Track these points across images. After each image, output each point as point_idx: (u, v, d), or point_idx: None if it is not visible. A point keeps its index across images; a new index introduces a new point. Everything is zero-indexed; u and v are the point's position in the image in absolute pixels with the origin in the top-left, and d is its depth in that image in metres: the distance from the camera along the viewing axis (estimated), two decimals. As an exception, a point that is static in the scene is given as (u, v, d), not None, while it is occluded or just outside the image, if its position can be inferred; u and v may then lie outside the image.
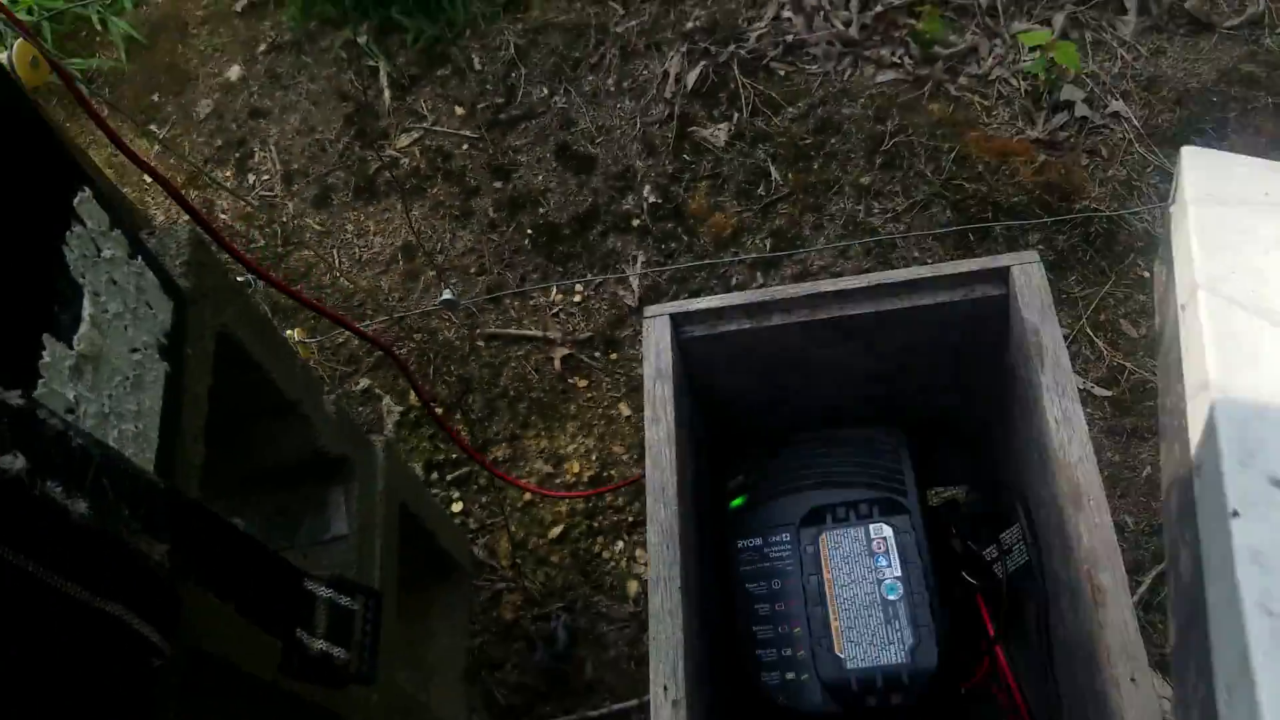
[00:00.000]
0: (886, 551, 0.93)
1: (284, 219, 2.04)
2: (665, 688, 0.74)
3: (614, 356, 1.75)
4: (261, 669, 0.72)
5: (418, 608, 1.45)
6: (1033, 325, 0.84)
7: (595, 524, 1.56)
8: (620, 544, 1.54)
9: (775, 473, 1.08)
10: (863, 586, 0.92)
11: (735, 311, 0.93)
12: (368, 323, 1.79)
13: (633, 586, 1.49)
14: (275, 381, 0.89)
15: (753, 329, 0.93)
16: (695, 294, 1.80)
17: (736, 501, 1.08)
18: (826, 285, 0.91)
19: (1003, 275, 0.89)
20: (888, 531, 0.94)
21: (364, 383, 1.72)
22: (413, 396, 1.69)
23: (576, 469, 1.60)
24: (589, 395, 1.71)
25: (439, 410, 1.66)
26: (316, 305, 1.02)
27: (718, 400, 1.05)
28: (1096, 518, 0.75)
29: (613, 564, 1.52)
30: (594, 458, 1.62)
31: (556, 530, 1.54)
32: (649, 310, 0.94)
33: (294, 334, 1.40)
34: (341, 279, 1.89)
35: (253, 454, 0.97)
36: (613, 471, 1.61)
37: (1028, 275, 0.87)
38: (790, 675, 0.96)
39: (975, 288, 0.90)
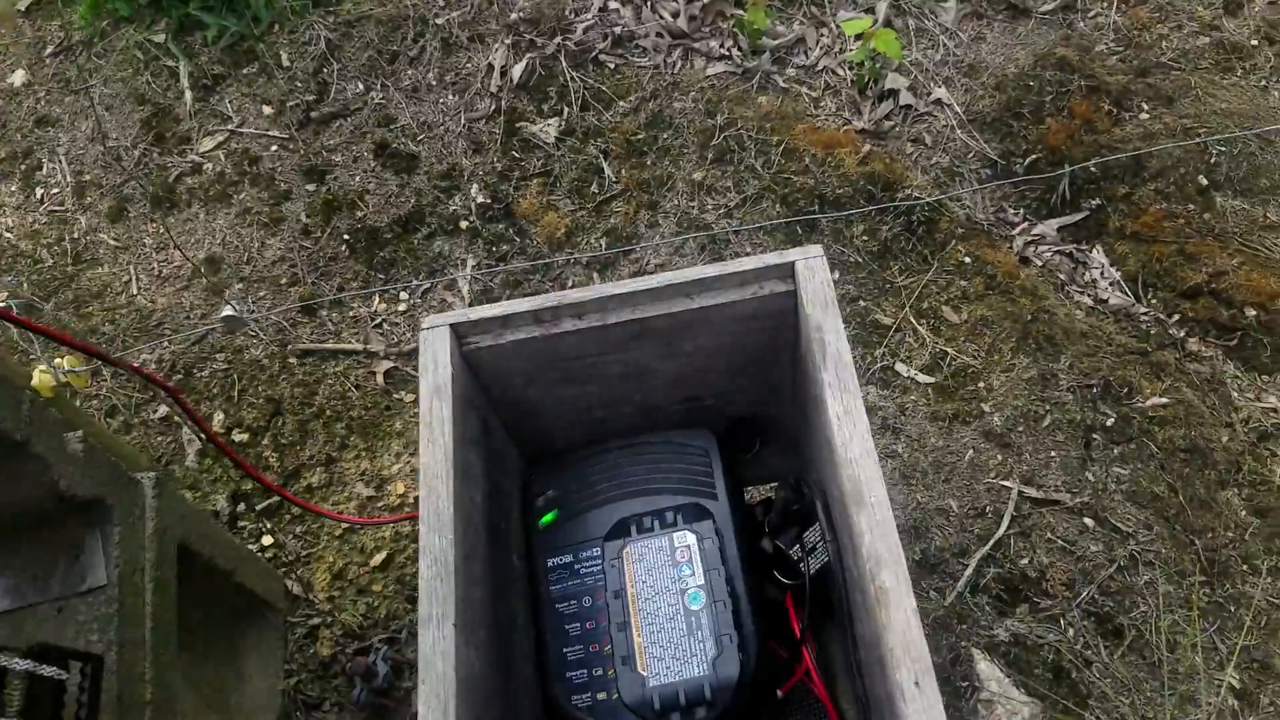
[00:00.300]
0: (690, 560, 0.90)
1: (75, 234, 1.86)
2: (434, 733, 0.68)
3: (441, 366, 1.67)
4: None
5: (225, 650, 1.33)
6: (816, 321, 0.82)
7: (424, 544, 1.48)
8: (451, 563, 1.46)
9: (585, 486, 1.03)
10: (666, 599, 0.89)
11: (522, 319, 0.87)
12: (165, 344, 1.65)
13: (464, 607, 1.42)
14: (-7, 421, 0.78)
15: (543, 337, 0.88)
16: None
17: (546, 518, 1.02)
18: (613, 288, 0.87)
19: (790, 271, 0.87)
20: (690, 539, 0.91)
21: (162, 410, 1.59)
22: (215, 423, 1.56)
23: (401, 490, 1.52)
24: (415, 410, 1.62)
25: (239, 439, 1.54)
26: (54, 334, 0.91)
27: (521, 412, 1.00)
28: (878, 515, 0.73)
29: (443, 585, 1.45)
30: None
31: (379, 557, 1.45)
32: (426, 321, 0.87)
33: (63, 363, 1.27)
34: (139, 296, 1.74)
35: (-17, 499, 0.85)
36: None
37: (811, 270, 0.85)
38: (602, 696, 0.91)
39: (764, 285, 0.87)
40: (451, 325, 0.87)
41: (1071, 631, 1.30)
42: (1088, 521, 1.38)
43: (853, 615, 0.85)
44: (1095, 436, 1.44)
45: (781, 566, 0.97)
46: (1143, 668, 1.27)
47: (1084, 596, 1.32)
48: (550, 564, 0.99)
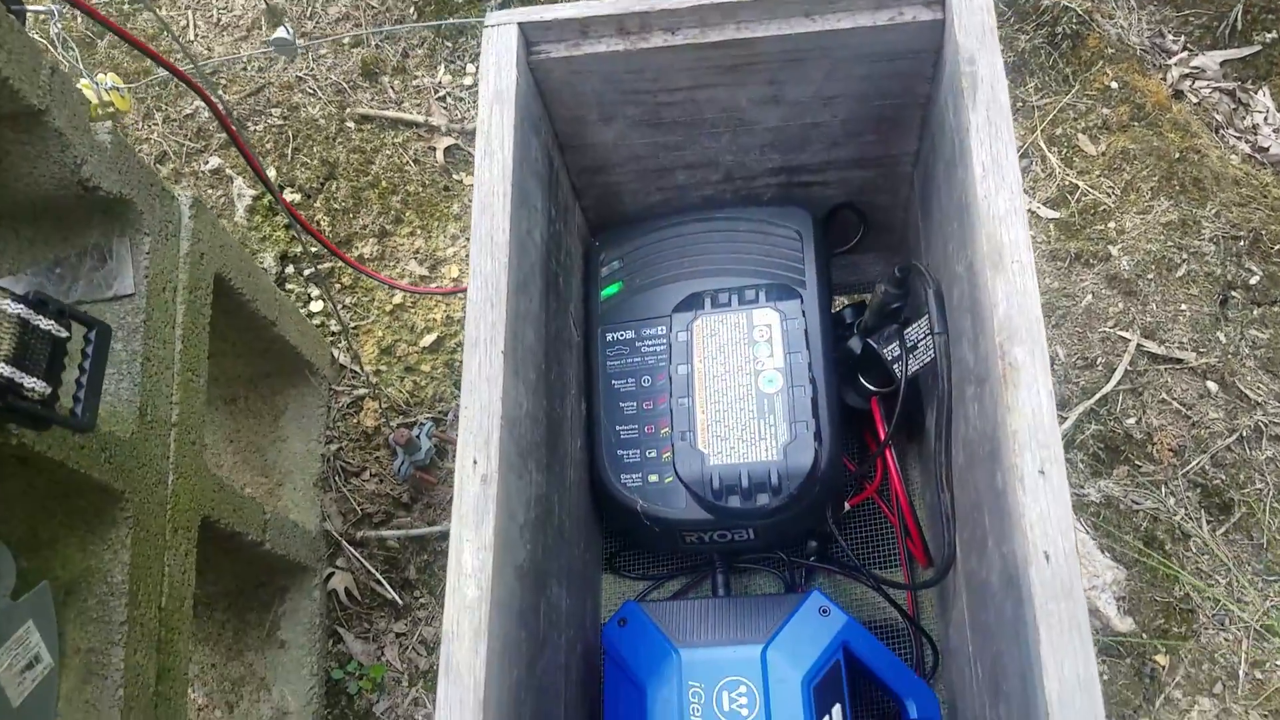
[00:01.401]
0: (769, 339, 0.79)
1: (135, -25, 1.74)
2: (474, 460, 0.59)
3: (510, 152, 1.54)
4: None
5: (264, 408, 1.29)
6: (968, 53, 0.67)
7: (475, 332, 1.39)
8: (502, 355, 1.38)
9: (655, 259, 0.91)
10: (737, 378, 0.78)
11: (603, 25, 0.73)
12: (220, 92, 1.54)
13: (511, 399, 1.35)
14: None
15: (626, 52, 0.74)
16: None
17: (609, 290, 0.92)
18: (717, -2, 0.72)
19: (939, -4, 0.71)
20: (773, 318, 0.79)
21: (213, 162, 1.50)
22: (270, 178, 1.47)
23: (455, 273, 1.43)
24: (478, 192, 1.51)
25: (291, 198, 1.45)
26: (115, 27, 0.80)
27: (590, 161, 0.87)
28: (1018, 281, 0.60)
29: (492, 375, 1.37)
30: (478, 259, 1.44)
31: (429, 338, 1.37)
32: (491, 18, 0.74)
33: (106, 78, 1.17)
34: (196, 43, 1.62)
35: (1, 173, 0.77)
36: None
37: (969, -8, 0.69)
38: (653, 478, 0.83)
39: (905, 9, 0.72)
40: (520, 25, 0.73)
41: (1173, 501, 1.18)
42: (1211, 385, 1.23)
43: (952, 417, 0.73)
44: (1234, 294, 1.27)
45: (869, 370, 0.85)
46: (1247, 548, 1.15)
47: (1193, 466, 1.19)
48: (609, 338, 0.89)
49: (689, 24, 0.73)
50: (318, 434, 1.29)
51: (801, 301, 0.80)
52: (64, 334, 0.57)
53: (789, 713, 0.71)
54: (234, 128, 0.96)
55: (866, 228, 0.93)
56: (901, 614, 0.84)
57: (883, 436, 0.79)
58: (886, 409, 0.82)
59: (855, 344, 0.86)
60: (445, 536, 1.26)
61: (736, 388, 0.77)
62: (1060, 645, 0.51)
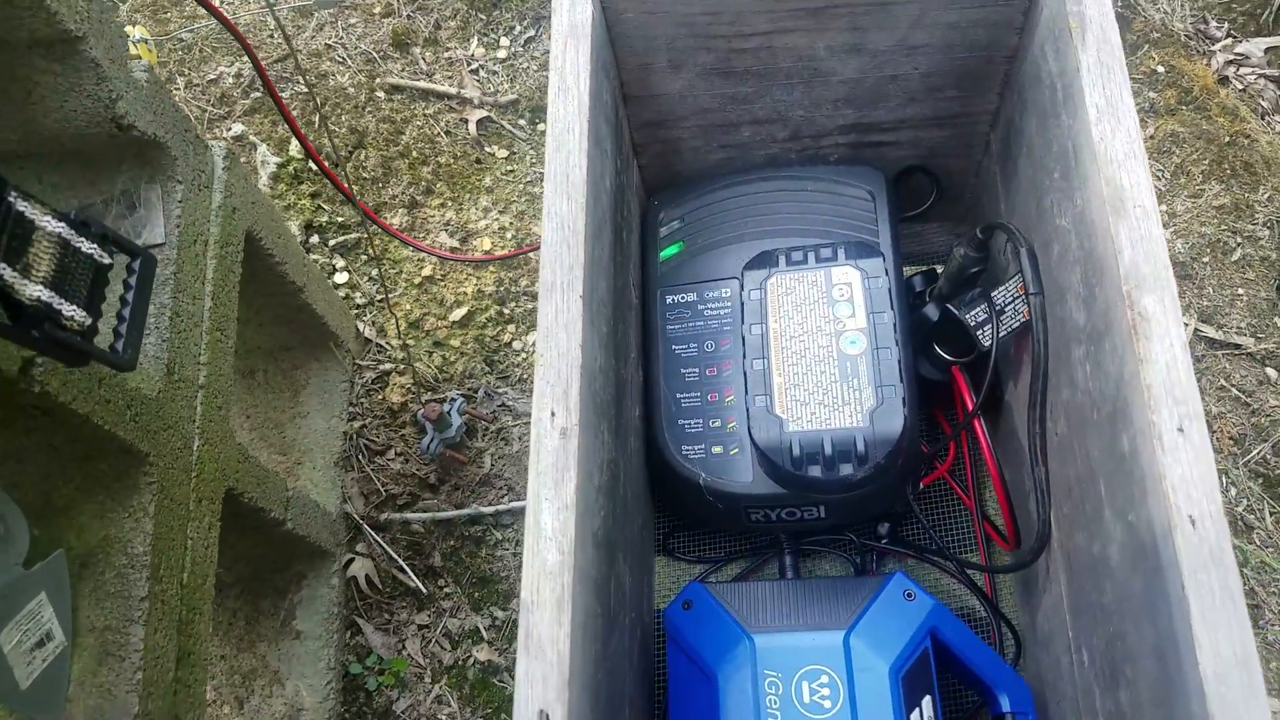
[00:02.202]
0: (850, 299, 0.74)
1: (155, -58, 1.69)
2: (552, 412, 0.54)
3: (541, 127, 1.49)
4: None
5: (287, 385, 1.23)
6: (1080, -10, 0.62)
7: (506, 310, 1.34)
8: (534, 335, 1.33)
9: (718, 218, 0.87)
10: (817, 339, 0.73)
11: (683, -38, 0.69)
12: (247, 59, 1.49)
13: (542, 379, 1.29)
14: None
15: (705, -8, 0.69)
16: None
17: (669, 250, 0.87)
18: (808, -68, 0.67)
19: (1042, -66, 0.67)
20: (854, 275, 0.75)
21: (237, 128, 1.44)
22: (293, 147, 1.42)
23: (487, 246, 1.38)
24: (509, 168, 1.46)
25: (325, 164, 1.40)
26: None
27: (654, 114, 0.82)
28: (1143, 227, 0.55)
29: (524, 356, 1.32)
30: (509, 235, 1.39)
31: (460, 312, 1.32)
32: (566, -48, 0.69)
33: (133, 30, 1.12)
34: (222, 8, 1.57)
35: (29, 104, 0.71)
36: (532, 255, 1.38)
37: (1079, -75, 0.64)
38: (717, 449, 0.78)
39: (1004, -51, 0.67)
40: (597, -40, 0.69)
41: (1234, 491, 1.13)
42: (1270, 372, 1.18)
43: (1047, 384, 0.69)
44: (1294, 278, 1.23)
45: (945, 339, 0.80)
46: (1312, 540, 1.10)
47: (1254, 455, 1.14)
48: (669, 301, 0.84)
49: (774, -40, 0.69)
50: (340, 410, 1.24)
51: (883, 260, 0.75)
52: (106, 260, 0.52)
53: (877, 705, 0.66)
54: (272, 83, 0.91)
55: (940, 192, 0.88)
56: (984, 601, 0.79)
57: (970, 406, 0.74)
58: (971, 378, 0.77)
59: (932, 311, 0.81)
60: (474, 520, 1.21)
61: (816, 349, 0.72)
62: (1214, 618, 0.47)
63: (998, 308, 0.74)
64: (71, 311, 0.48)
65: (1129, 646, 0.55)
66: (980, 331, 0.75)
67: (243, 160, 1.42)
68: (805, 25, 0.72)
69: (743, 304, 0.76)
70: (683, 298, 0.84)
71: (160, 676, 0.75)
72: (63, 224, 0.50)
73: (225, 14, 1.52)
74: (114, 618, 0.69)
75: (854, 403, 0.69)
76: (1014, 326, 0.73)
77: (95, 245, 0.51)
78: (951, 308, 0.78)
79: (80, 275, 0.50)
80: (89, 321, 0.50)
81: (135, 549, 0.73)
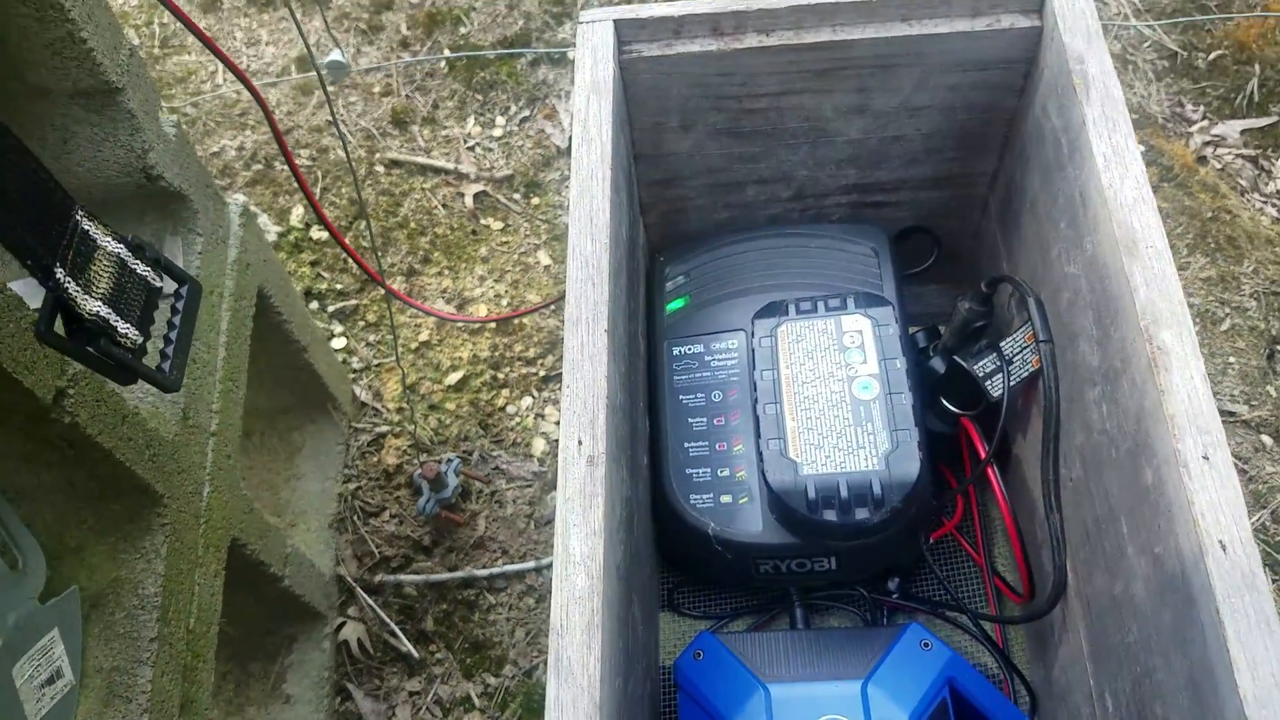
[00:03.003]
0: (861, 345, 0.75)
1: (165, 19, 1.74)
2: (579, 441, 0.54)
3: (535, 201, 1.53)
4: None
5: (283, 447, 1.22)
6: (1076, 52, 0.66)
7: (500, 375, 1.34)
8: (528, 400, 1.33)
9: (724, 272, 0.88)
10: (829, 384, 0.74)
11: (698, 24, 0.72)
12: (248, 132, 1.52)
13: (539, 445, 1.29)
14: (84, 42, 0.65)
15: (718, 53, 0.73)
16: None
17: (675, 304, 0.88)
18: (814, -2, 0.71)
19: (1038, 2, 0.71)
20: (864, 324, 0.76)
21: (239, 199, 1.46)
22: (294, 217, 1.44)
23: (484, 312, 1.39)
24: (503, 239, 1.48)
25: (318, 236, 1.42)
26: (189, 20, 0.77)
27: (659, 175, 0.85)
28: (1156, 266, 0.57)
29: (517, 420, 1.32)
30: (504, 303, 1.41)
31: (455, 376, 1.32)
32: (586, 15, 0.72)
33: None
34: (225, 87, 1.61)
35: (65, 153, 0.73)
36: (525, 321, 1.40)
37: (1073, -4, 0.68)
38: (726, 499, 0.77)
39: (1003, 16, 0.71)
40: (614, 21, 0.72)
41: (1229, 554, 1.13)
42: (1265, 439, 1.20)
43: (1060, 428, 0.70)
44: None
45: (952, 393, 0.81)
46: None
47: (1254, 522, 1.15)
48: (676, 352, 0.85)
49: (785, 25, 0.72)
50: (335, 472, 1.23)
51: (893, 309, 0.76)
52: (158, 284, 0.52)
53: (895, 752, 0.64)
54: (287, 147, 0.93)
55: (940, 251, 0.91)
56: (998, 655, 0.78)
57: (983, 454, 0.75)
58: (982, 428, 0.78)
59: (938, 364, 0.82)
60: (467, 584, 1.19)
61: (829, 394, 0.73)
62: (1251, 642, 0.47)
63: (1007, 357, 0.75)
64: (125, 329, 0.48)
65: (1158, 683, 0.55)
66: (989, 382, 0.76)
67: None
68: (813, 86, 0.75)
69: (753, 350, 0.77)
70: (690, 349, 0.84)
71: None
72: (122, 245, 0.50)
73: (226, 90, 1.56)
74: (122, 659, 0.67)
75: (869, 446, 0.70)
76: (1024, 375, 0.74)
77: (149, 269, 0.51)
78: (959, 359, 0.79)
79: (135, 296, 0.50)
80: (140, 340, 0.50)
81: (146, 590, 0.71)
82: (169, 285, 0.53)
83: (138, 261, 0.51)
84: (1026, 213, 0.76)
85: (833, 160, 0.83)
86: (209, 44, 0.85)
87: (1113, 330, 0.59)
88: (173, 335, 0.51)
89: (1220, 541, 0.49)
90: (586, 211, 0.64)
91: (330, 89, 1.60)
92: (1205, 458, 0.51)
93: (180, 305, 0.52)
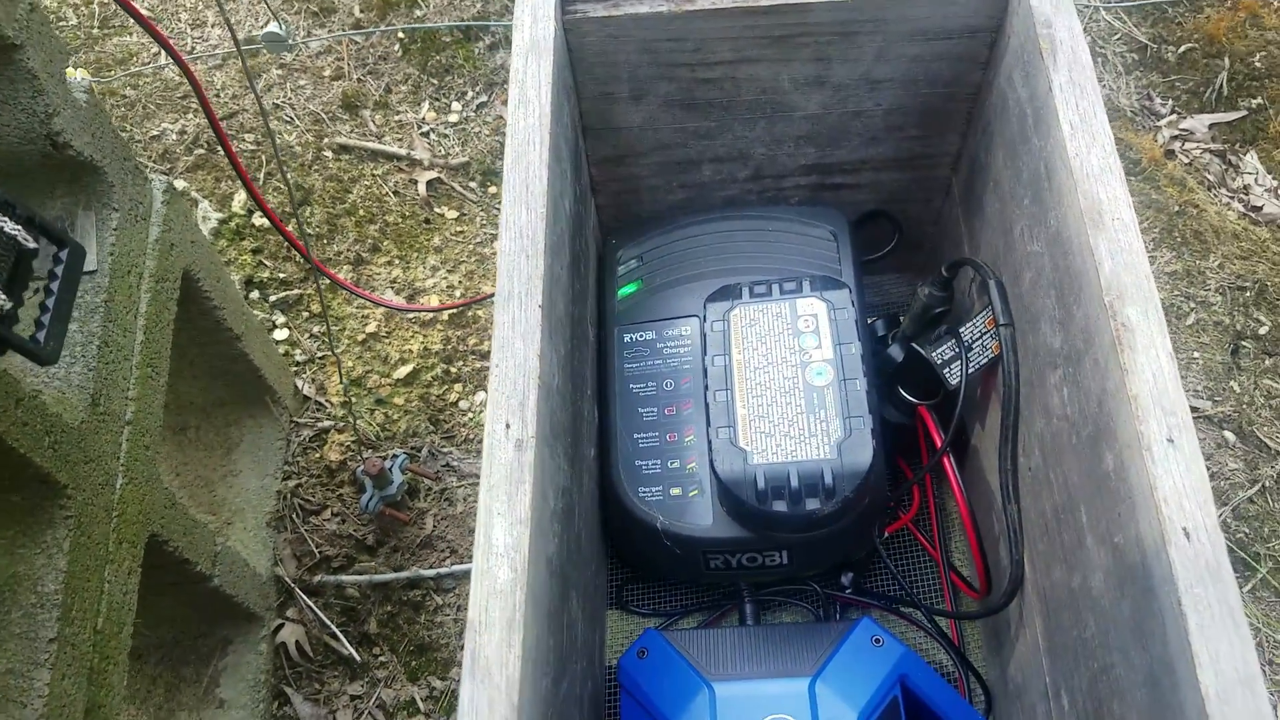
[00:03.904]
0: (816, 330, 0.72)
1: None
2: (507, 424, 0.50)
3: (493, 190, 1.48)
4: None
5: (219, 442, 1.16)
6: (1044, 16, 0.63)
7: (453, 369, 1.30)
8: (482, 395, 1.28)
9: (677, 257, 0.85)
10: (781, 370, 0.70)
11: (648, -14, 0.68)
12: (190, 115, 1.46)
13: (490, 439, 1.24)
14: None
15: (669, 15, 0.69)
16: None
17: (627, 289, 0.84)
18: (770, -38, 0.68)
19: (1001, -30, 0.68)
20: (819, 307, 0.73)
21: (179, 184, 1.40)
22: (235, 203, 1.38)
23: (435, 304, 1.34)
24: (458, 229, 1.44)
25: (260, 223, 1.36)
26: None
27: (609, 152, 0.81)
28: (1122, 239, 0.54)
29: (470, 415, 1.27)
30: (458, 295, 1.36)
31: (404, 370, 1.27)
32: (529, -28, 0.68)
33: (75, 73, 1.09)
34: (167, 69, 1.55)
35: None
36: (480, 313, 1.35)
37: (1039, -41, 0.65)
38: (676, 491, 0.73)
39: (965, -17, 0.68)
40: (559, -19, 0.68)
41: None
42: (1228, 435, 1.19)
43: (1019, 416, 0.67)
44: (1245, 344, 1.25)
45: (909, 382, 0.78)
46: (1276, 605, 1.09)
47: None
48: (627, 339, 0.81)
49: (738, -12, 0.69)
50: (274, 469, 1.17)
51: (849, 293, 0.73)
52: (31, 245, 0.47)
53: (844, 754, 0.61)
54: (221, 126, 0.88)
55: (901, 236, 0.88)
56: (953, 652, 0.75)
57: (939, 443, 0.72)
58: (939, 418, 0.75)
59: (895, 352, 0.79)
60: (413, 584, 1.14)
61: (781, 381, 0.69)
62: (1215, 634, 0.43)
63: (966, 344, 0.72)
64: (-7, 296, 0.43)
65: (1116, 679, 0.52)
66: (948, 370, 0.73)
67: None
68: (769, 55, 0.72)
69: (704, 335, 0.73)
70: (641, 336, 0.81)
71: (63, 732, 0.67)
72: (-17, 201, 0.45)
73: (168, 72, 1.50)
74: (17, 660, 0.62)
75: (821, 434, 0.66)
76: (982, 362, 0.71)
77: (19, 228, 0.47)
78: (917, 346, 0.76)
79: (1, 257, 0.45)
80: (8, 306, 0.45)
81: (46, 587, 0.66)
82: (47, 249, 0.48)
83: (5, 219, 0.46)
84: (989, 192, 0.73)
85: (791, 137, 0.80)
86: (144, 22, 0.81)
87: (1075, 309, 0.56)
88: (50, 303, 0.47)
89: (1184, 529, 0.46)
90: (522, 178, 0.60)
91: (277, 70, 1.54)
92: (1170, 440, 0.48)
93: (59, 270, 0.48)
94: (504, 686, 0.44)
